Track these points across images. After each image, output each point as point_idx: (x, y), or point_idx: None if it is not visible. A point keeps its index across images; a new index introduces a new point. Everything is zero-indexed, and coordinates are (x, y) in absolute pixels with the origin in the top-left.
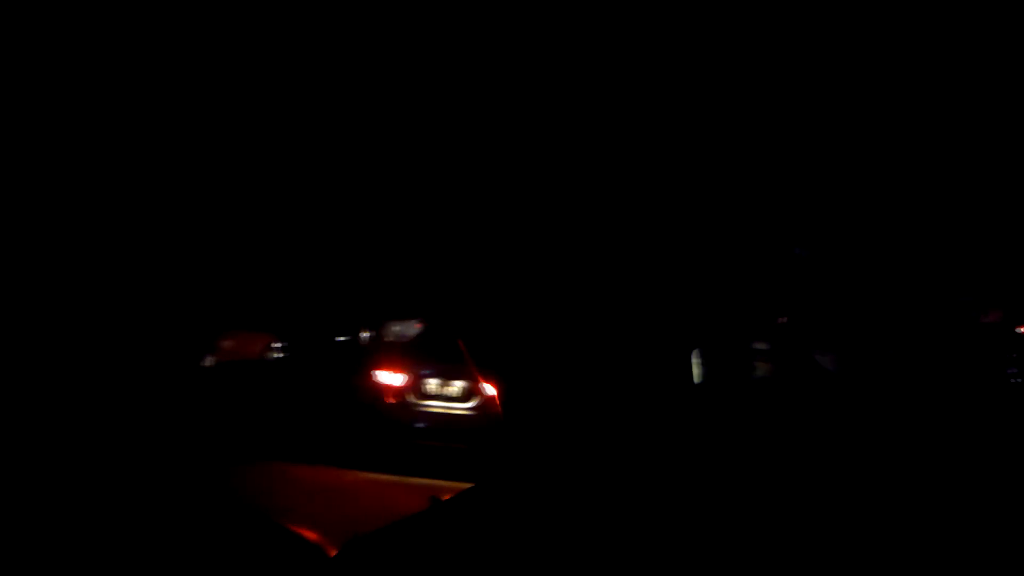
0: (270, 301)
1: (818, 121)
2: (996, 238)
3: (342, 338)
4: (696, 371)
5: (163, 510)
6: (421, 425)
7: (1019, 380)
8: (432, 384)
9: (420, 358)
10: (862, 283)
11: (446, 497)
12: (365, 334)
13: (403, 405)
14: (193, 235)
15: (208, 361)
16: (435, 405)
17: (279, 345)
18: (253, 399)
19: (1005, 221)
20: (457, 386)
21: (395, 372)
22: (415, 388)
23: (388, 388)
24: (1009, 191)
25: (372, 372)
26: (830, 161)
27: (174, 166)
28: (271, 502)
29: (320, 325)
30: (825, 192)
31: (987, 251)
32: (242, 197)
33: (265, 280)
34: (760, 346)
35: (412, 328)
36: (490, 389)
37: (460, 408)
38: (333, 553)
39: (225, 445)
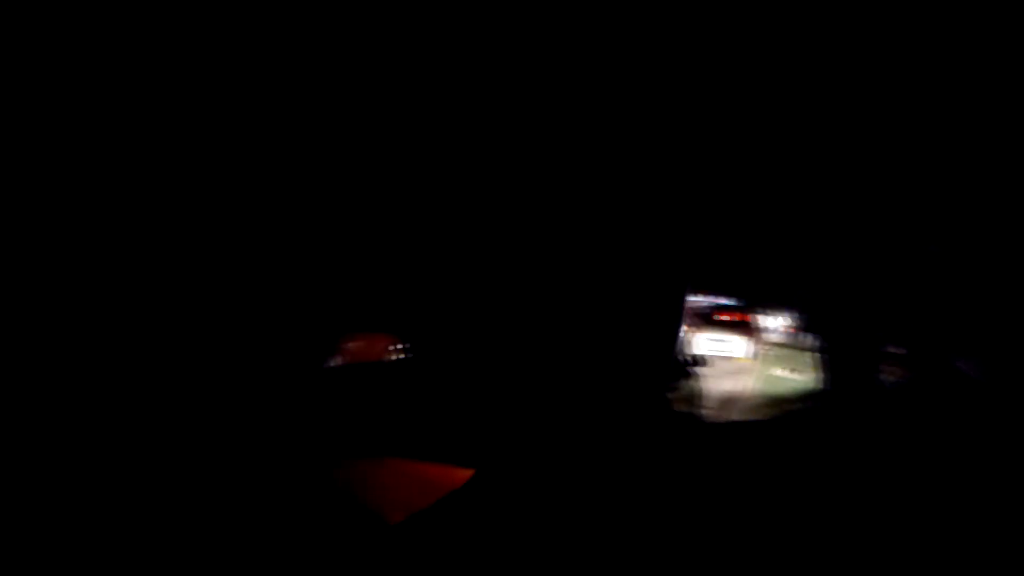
0: (394, 303)
1: (954, 112)
2: None
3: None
4: (825, 375)
5: (278, 499)
6: None
7: None
8: None
9: None
10: (1003, 281)
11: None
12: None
13: None
14: (326, 236)
15: (335, 362)
16: None
17: (400, 347)
18: (374, 399)
19: None
20: None
21: None
22: None
23: None
24: None
25: None
26: (967, 154)
27: (311, 163)
28: (384, 495)
29: (441, 325)
30: (962, 186)
31: None
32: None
33: (390, 282)
34: (895, 350)
35: None
36: None
37: None
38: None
39: (346, 442)
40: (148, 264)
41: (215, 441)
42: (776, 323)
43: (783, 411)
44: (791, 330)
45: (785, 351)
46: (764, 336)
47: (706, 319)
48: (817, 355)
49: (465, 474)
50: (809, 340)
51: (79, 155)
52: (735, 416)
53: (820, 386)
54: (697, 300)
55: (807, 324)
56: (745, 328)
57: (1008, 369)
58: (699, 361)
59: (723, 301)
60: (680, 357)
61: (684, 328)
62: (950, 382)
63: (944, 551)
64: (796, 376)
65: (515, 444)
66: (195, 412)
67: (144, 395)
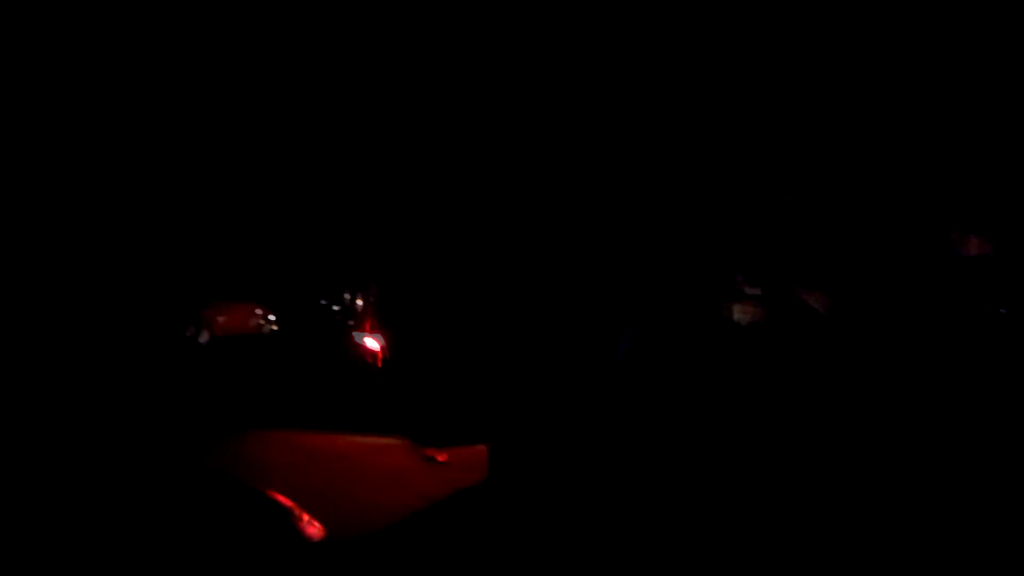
0: (256, 269)
1: (805, 57)
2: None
3: (335, 306)
4: (679, 322)
5: (153, 485)
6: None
7: (1002, 312)
8: None
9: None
10: (847, 224)
11: (440, 457)
12: (356, 299)
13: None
14: (168, 202)
15: (203, 337)
16: None
17: (273, 317)
18: (253, 373)
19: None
20: None
21: (373, 333)
22: None
23: (372, 351)
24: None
25: (354, 335)
26: (815, 105)
27: (142, 132)
28: (258, 468)
29: (308, 291)
30: (807, 139)
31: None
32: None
33: (248, 247)
34: (752, 291)
35: None
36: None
37: None
38: (302, 513)
39: (224, 418)
40: None
41: (67, 432)
42: None
43: None
44: None
45: None
46: None
47: None
48: None
49: (351, 439)
50: None
51: None
52: None
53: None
54: None
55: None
56: None
57: (849, 305)
58: None
59: None
60: None
61: None
62: (800, 317)
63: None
64: None
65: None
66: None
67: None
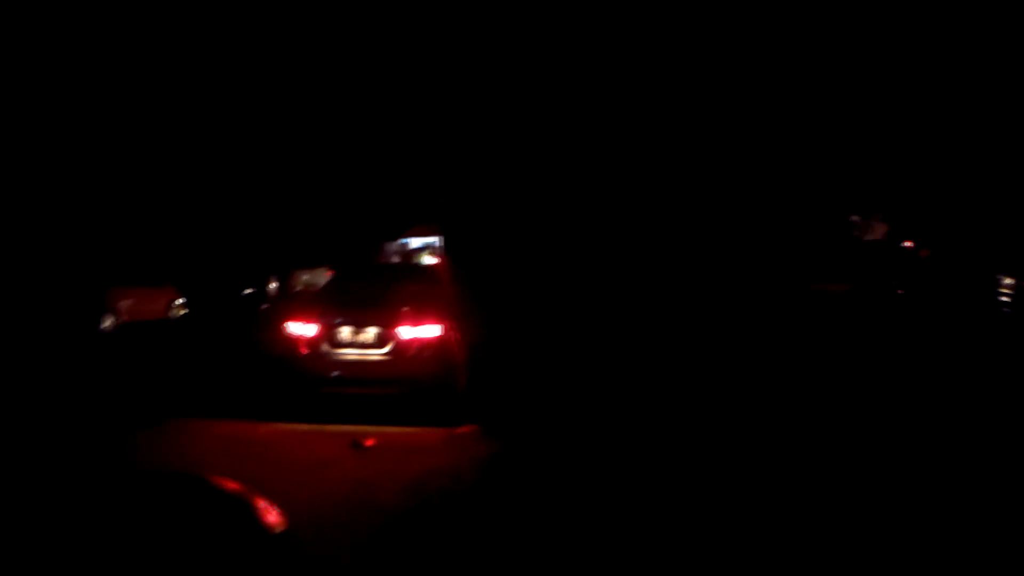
0: (167, 251)
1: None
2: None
3: (249, 290)
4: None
5: (70, 479)
6: (336, 373)
7: (905, 293)
8: (345, 332)
9: (332, 307)
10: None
11: (367, 442)
12: (273, 284)
13: (317, 355)
14: (73, 178)
15: (108, 323)
16: (349, 353)
17: (182, 301)
18: (161, 361)
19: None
20: (371, 333)
21: (307, 322)
22: (328, 337)
23: (301, 339)
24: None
25: (283, 323)
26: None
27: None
28: (190, 459)
29: (224, 276)
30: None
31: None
32: (133, 136)
33: (161, 228)
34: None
35: (322, 276)
36: (405, 334)
37: (375, 354)
38: (258, 500)
39: (134, 408)
40: None
41: None
42: None
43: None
44: None
45: None
46: None
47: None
48: None
49: (269, 428)
50: None
51: None
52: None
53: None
54: None
55: None
56: None
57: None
58: None
59: None
60: None
61: None
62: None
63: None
64: None
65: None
66: None
67: None
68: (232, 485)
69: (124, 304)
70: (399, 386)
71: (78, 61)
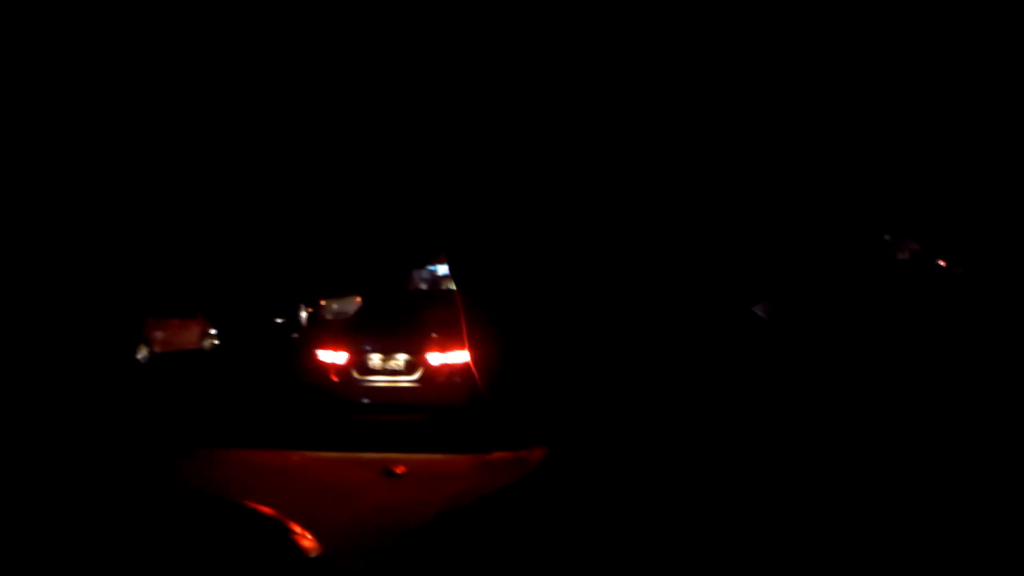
0: (199, 282)
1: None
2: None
3: (280, 319)
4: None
5: (110, 506)
6: (367, 400)
7: (938, 314)
8: (375, 359)
9: (361, 334)
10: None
11: (398, 469)
12: (304, 313)
13: (347, 382)
14: (109, 215)
15: (143, 353)
16: (379, 380)
17: (215, 332)
18: (195, 390)
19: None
20: (401, 359)
21: (337, 350)
22: (358, 364)
23: (331, 366)
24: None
25: (314, 351)
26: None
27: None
28: (224, 486)
29: (255, 306)
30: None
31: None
32: (161, 173)
33: (192, 260)
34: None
35: (351, 304)
36: (434, 361)
37: (405, 381)
38: (293, 525)
39: (170, 437)
40: None
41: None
42: None
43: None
44: None
45: None
46: None
47: None
48: None
49: (301, 456)
50: None
51: None
52: None
53: None
54: None
55: None
56: None
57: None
58: None
59: None
60: None
61: None
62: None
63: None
64: None
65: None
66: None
67: None
68: (267, 511)
69: (158, 335)
70: (429, 412)
71: (117, 93)
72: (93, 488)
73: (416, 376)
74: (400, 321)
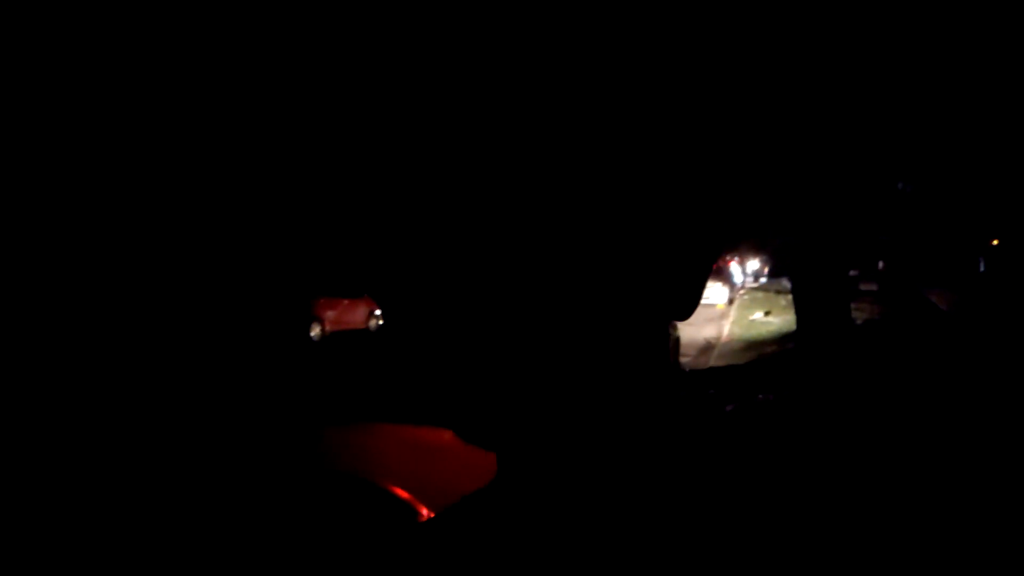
0: (373, 262)
1: (923, 48)
2: None
3: None
4: (799, 317)
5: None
6: None
7: None
8: None
9: None
10: (973, 216)
11: None
12: None
13: None
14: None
15: (316, 331)
16: None
17: (380, 313)
18: (361, 368)
19: None
20: None
21: None
22: None
23: None
24: None
25: None
26: (934, 91)
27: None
28: (369, 461)
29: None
30: (929, 122)
31: None
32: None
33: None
34: (868, 287)
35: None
36: None
37: None
38: (423, 510)
39: (332, 410)
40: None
41: (197, 420)
42: (751, 267)
43: (761, 355)
44: (765, 274)
45: (760, 295)
46: (739, 281)
47: None
48: (790, 296)
49: (448, 434)
50: (784, 283)
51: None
52: (714, 362)
53: (795, 327)
54: None
55: (780, 267)
56: (720, 274)
57: (977, 301)
58: None
59: None
60: None
61: None
62: (922, 317)
63: (918, 484)
64: (772, 319)
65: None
66: (174, 390)
67: (118, 378)
68: (402, 494)
69: (329, 314)
70: None
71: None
72: (252, 458)
73: None
74: None
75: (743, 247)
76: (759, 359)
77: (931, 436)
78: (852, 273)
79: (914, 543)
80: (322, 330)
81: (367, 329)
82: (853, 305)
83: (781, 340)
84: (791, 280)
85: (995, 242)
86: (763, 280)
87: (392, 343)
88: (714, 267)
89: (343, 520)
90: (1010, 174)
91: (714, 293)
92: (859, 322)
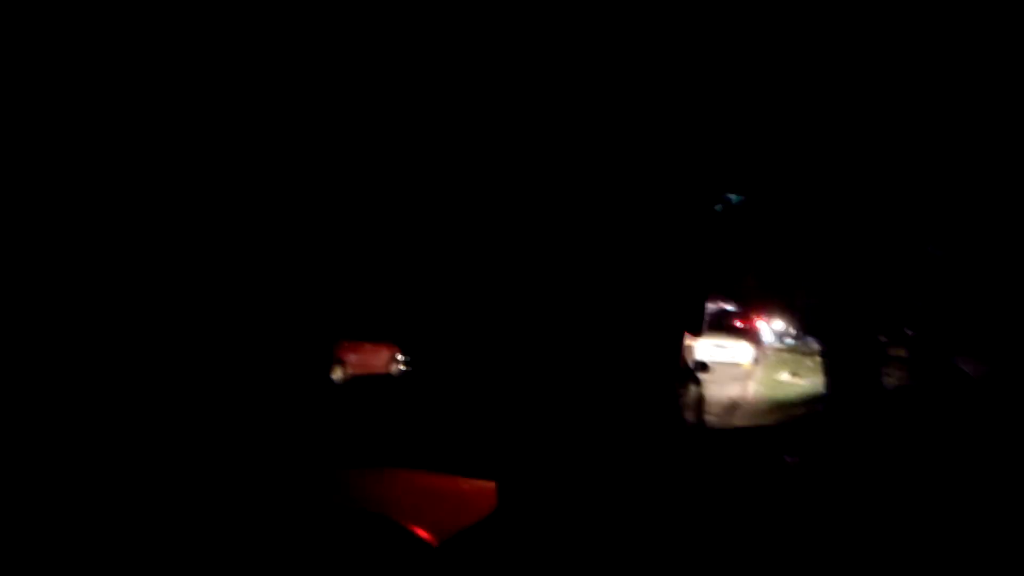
0: (391, 308)
1: (956, 110)
2: None
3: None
4: (828, 379)
5: (288, 512)
6: None
7: None
8: None
9: None
10: (1004, 283)
11: None
12: None
13: None
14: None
15: (338, 374)
16: None
17: (403, 358)
18: (382, 412)
19: None
20: None
21: None
22: None
23: None
24: None
25: None
26: (964, 158)
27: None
28: (392, 504)
29: (443, 333)
30: (960, 189)
31: None
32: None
33: (385, 286)
34: (897, 352)
35: None
36: None
37: None
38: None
39: (355, 454)
40: (147, 271)
41: (216, 452)
42: (777, 327)
43: (787, 416)
44: (792, 334)
45: (787, 355)
46: (766, 340)
47: (708, 324)
48: (819, 358)
49: (470, 483)
50: (811, 344)
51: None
52: (739, 422)
53: (823, 390)
54: None
55: (808, 327)
56: (747, 333)
57: (1007, 369)
58: (702, 367)
59: (725, 306)
60: (684, 363)
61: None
62: (951, 383)
63: (946, 553)
64: (799, 380)
65: (529, 457)
66: (194, 422)
67: (145, 403)
68: (421, 532)
69: (351, 357)
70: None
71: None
72: (274, 495)
73: None
74: None
75: (769, 306)
76: (786, 420)
77: (958, 508)
78: (881, 339)
79: None
80: (344, 373)
81: (389, 374)
82: (884, 369)
83: (809, 402)
84: (820, 342)
85: None
86: (789, 341)
87: (418, 389)
88: (739, 326)
89: (364, 554)
90: None
91: (739, 352)
92: (889, 388)
